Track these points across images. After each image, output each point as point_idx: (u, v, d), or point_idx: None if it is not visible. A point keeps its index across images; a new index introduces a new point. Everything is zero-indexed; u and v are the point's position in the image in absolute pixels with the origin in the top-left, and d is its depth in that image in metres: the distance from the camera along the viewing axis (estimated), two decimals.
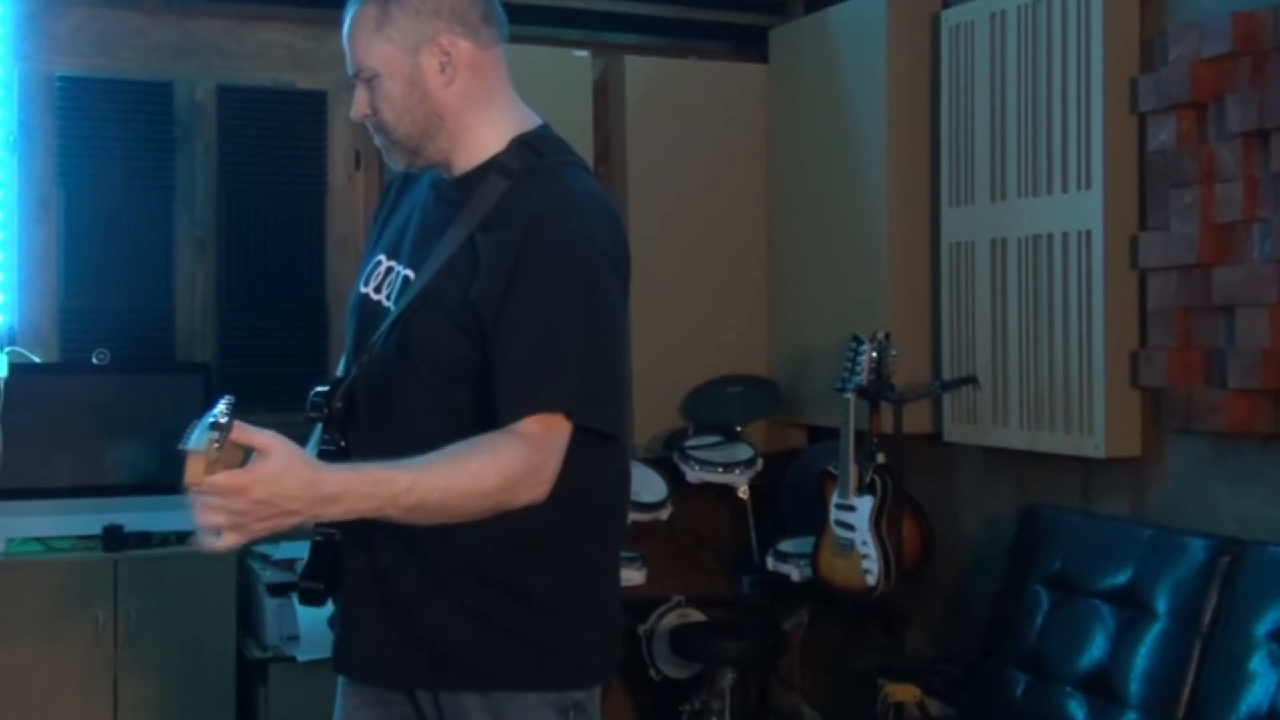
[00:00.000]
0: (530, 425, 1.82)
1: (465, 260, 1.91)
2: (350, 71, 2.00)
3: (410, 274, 1.98)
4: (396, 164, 2.04)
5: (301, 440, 1.94)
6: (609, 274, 1.90)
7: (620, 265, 1.95)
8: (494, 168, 1.96)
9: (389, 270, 2.03)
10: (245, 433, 1.66)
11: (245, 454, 1.68)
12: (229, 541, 1.68)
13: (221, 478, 1.64)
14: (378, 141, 2.04)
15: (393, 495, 1.74)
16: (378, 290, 2.03)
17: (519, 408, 1.82)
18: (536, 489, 1.82)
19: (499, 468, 1.79)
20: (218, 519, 1.66)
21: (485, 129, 1.98)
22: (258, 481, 1.65)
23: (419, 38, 1.93)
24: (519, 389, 1.83)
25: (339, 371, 2.13)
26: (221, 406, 1.65)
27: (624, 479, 2.07)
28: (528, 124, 2.02)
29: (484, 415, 1.87)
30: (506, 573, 1.93)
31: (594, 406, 1.86)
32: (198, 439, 1.63)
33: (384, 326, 1.95)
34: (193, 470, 1.62)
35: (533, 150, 1.98)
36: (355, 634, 2.01)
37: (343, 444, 1.96)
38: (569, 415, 1.82)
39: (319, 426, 2.03)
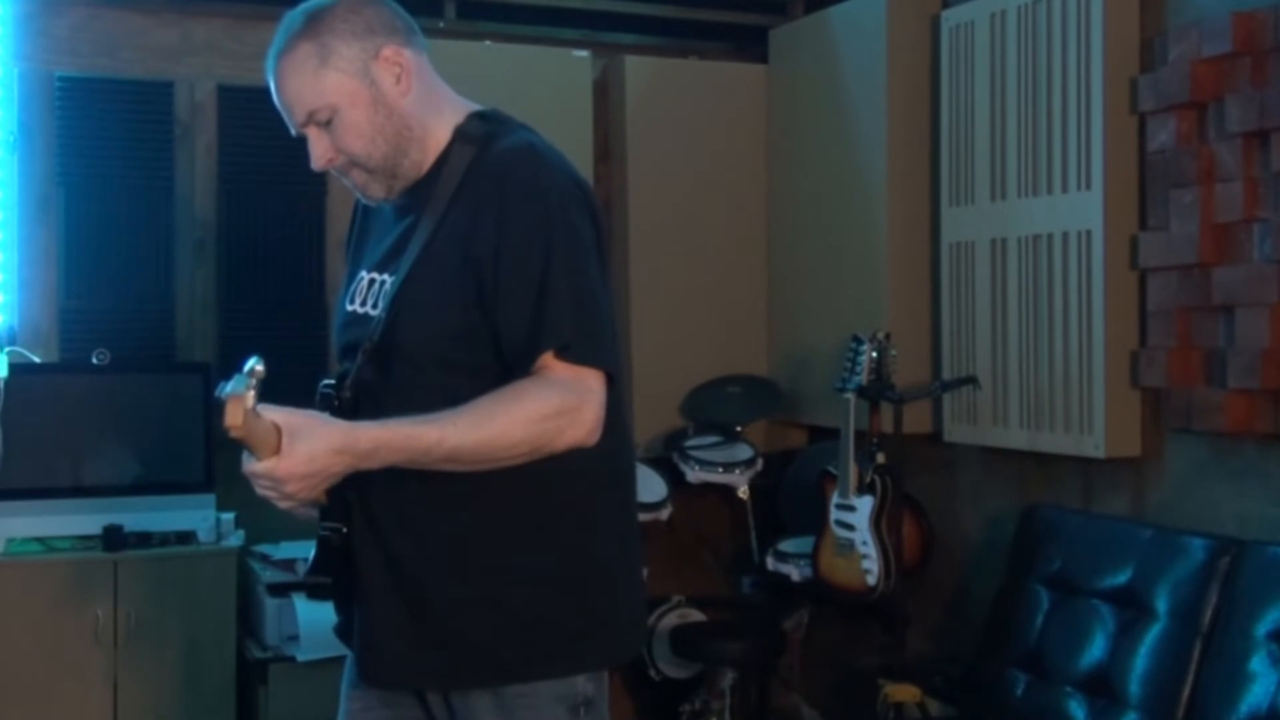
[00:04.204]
0: (558, 370, 1.86)
1: (445, 236, 1.93)
2: (299, 124, 1.98)
3: (393, 278, 1.99)
4: (375, 197, 2.03)
5: None
6: (584, 214, 1.95)
7: (593, 205, 1.99)
8: (457, 139, 2.00)
9: (372, 282, 2.04)
10: (268, 411, 1.75)
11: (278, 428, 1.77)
12: (287, 505, 1.85)
13: (262, 467, 1.75)
14: (349, 183, 2.03)
15: (424, 448, 1.81)
16: (364, 304, 2.04)
17: (528, 353, 1.87)
18: (578, 429, 1.86)
19: (528, 415, 1.83)
20: (272, 497, 1.81)
21: (443, 126, 2.02)
22: (295, 465, 1.75)
23: (365, 57, 1.94)
24: (525, 335, 1.87)
25: (342, 369, 2.14)
26: (254, 360, 1.73)
27: (621, 442, 2.05)
28: (476, 107, 2.07)
29: None
30: (517, 557, 1.94)
31: (589, 346, 1.89)
32: (235, 386, 1.69)
33: (374, 326, 1.97)
34: (232, 413, 1.68)
35: (489, 120, 2.03)
36: (373, 637, 2.01)
37: None
38: (562, 351, 1.86)
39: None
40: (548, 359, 1.86)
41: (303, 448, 1.75)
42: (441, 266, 1.92)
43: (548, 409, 1.84)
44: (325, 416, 1.84)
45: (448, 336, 1.92)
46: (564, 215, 1.91)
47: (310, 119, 1.96)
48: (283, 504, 1.83)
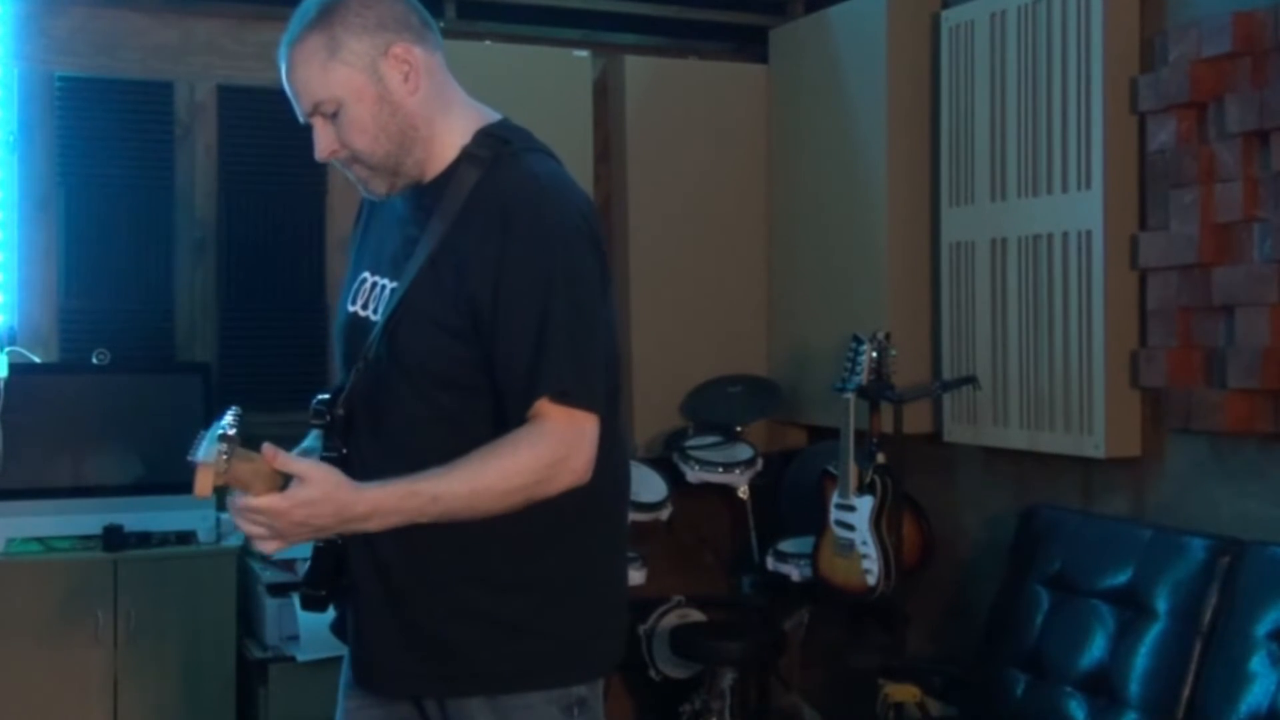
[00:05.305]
0: (555, 418, 1.87)
1: (446, 258, 1.92)
2: (306, 113, 1.98)
3: (394, 285, 1.98)
4: (377, 193, 2.02)
5: (293, 444, 1.96)
6: (587, 251, 1.94)
7: (597, 238, 1.98)
8: (464, 159, 1.98)
9: (374, 285, 2.04)
10: (286, 461, 1.79)
11: (285, 476, 1.80)
12: (268, 548, 1.87)
13: (264, 501, 1.78)
14: (352, 176, 2.02)
15: (419, 508, 1.85)
16: (365, 307, 2.04)
17: (524, 397, 1.87)
18: (570, 476, 1.88)
19: (519, 469, 1.85)
20: (260, 532, 1.83)
21: (451, 130, 2.00)
22: (297, 506, 1.80)
23: (374, 53, 1.93)
24: (521, 379, 1.88)
25: (337, 381, 2.13)
26: (229, 418, 1.75)
27: (617, 458, 2.05)
28: (488, 118, 2.05)
29: (479, 420, 1.90)
30: (508, 567, 1.94)
31: (585, 390, 1.90)
32: (206, 451, 1.70)
33: (373, 336, 1.96)
34: (202, 482, 1.71)
35: (498, 139, 2.00)
36: (367, 643, 2.02)
37: (343, 451, 1.96)
38: (558, 397, 1.86)
39: (315, 431, 2.04)
40: (543, 405, 1.87)
41: (309, 493, 1.79)
42: (439, 288, 1.91)
43: (540, 464, 1.86)
44: (338, 475, 1.84)
45: (443, 357, 1.92)
46: (566, 252, 1.90)
47: (316, 110, 1.96)
48: (266, 545, 1.85)
